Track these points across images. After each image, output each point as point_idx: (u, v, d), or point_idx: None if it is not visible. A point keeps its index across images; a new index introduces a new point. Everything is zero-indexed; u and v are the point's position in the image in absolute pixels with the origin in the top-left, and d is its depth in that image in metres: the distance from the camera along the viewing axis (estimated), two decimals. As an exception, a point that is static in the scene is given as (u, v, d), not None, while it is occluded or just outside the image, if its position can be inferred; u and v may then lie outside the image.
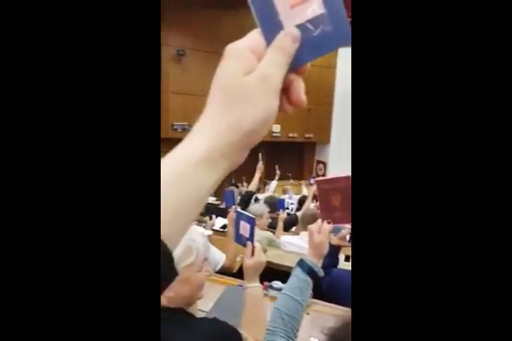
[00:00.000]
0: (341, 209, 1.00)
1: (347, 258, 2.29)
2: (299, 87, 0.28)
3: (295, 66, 0.28)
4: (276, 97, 0.27)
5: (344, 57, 6.96)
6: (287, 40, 0.27)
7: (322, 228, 0.96)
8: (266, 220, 2.45)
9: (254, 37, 0.28)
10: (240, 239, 1.08)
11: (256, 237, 2.35)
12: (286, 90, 0.28)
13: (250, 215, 1.09)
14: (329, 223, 0.98)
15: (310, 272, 0.91)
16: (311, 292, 1.51)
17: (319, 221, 1.00)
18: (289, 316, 0.85)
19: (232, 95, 0.26)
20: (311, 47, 0.27)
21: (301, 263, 0.92)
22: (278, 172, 4.81)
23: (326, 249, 0.96)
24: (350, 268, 1.68)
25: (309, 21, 0.27)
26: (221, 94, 0.27)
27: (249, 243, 1.01)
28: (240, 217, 1.10)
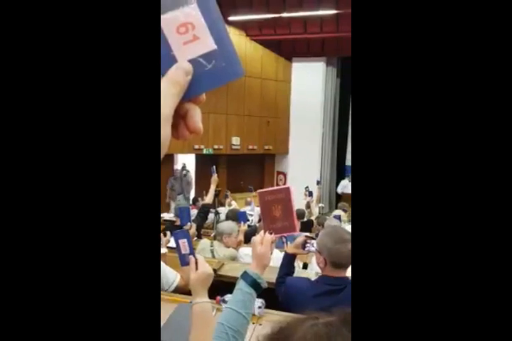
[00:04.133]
0: (283, 220, 1.03)
1: (305, 266, 2.33)
2: (196, 115, 0.31)
3: (190, 96, 0.30)
4: (166, 125, 0.29)
5: (297, 71, 7.24)
6: (179, 73, 0.29)
7: (264, 239, 0.98)
8: (234, 239, 2.46)
9: None
10: (184, 260, 1.03)
11: (219, 254, 2.32)
12: (184, 118, 0.30)
13: (183, 230, 1.07)
14: (271, 234, 1.00)
15: (253, 284, 0.92)
16: (264, 303, 1.51)
17: (262, 232, 1.02)
18: (232, 330, 0.85)
19: None
20: (205, 80, 0.30)
21: (245, 276, 0.93)
22: (228, 194, 4.92)
23: (268, 260, 0.98)
24: (306, 276, 1.71)
25: (202, 56, 0.30)
26: None
27: (190, 257, 0.99)
28: (176, 236, 1.07)
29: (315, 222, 3.81)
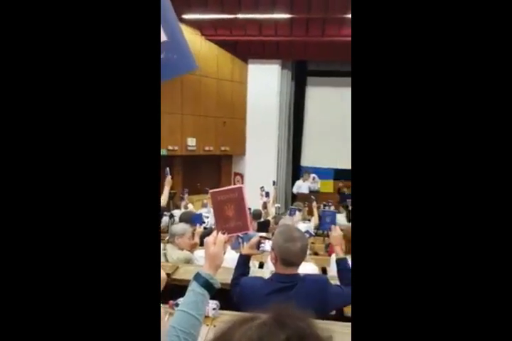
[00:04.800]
0: (236, 219, 1.03)
1: (260, 265, 2.35)
2: None
3: None
4: None
5: (253, 73, 7.30)
6: None
7: (217, 239, 0.98)
8: (187, 240, 2.41)
9: None
10: None
11: (173, 257, 2.27)
12: None
13: None
14: (224, 234, 1.00)
15: (206, 285, 0.91)
16: (218, 305, 1.50)
17: (215, 232, 1.01)
18: (184, 333, 0.83)
19: None
20: None
21: (197, 276, 0.92)
22: (185, 197, 4.83)
23: (221, 260, 0.97)
24: (262, 275, 1.73)
25: None
26: None
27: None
28: None
29: (272, 221, 3.86)
